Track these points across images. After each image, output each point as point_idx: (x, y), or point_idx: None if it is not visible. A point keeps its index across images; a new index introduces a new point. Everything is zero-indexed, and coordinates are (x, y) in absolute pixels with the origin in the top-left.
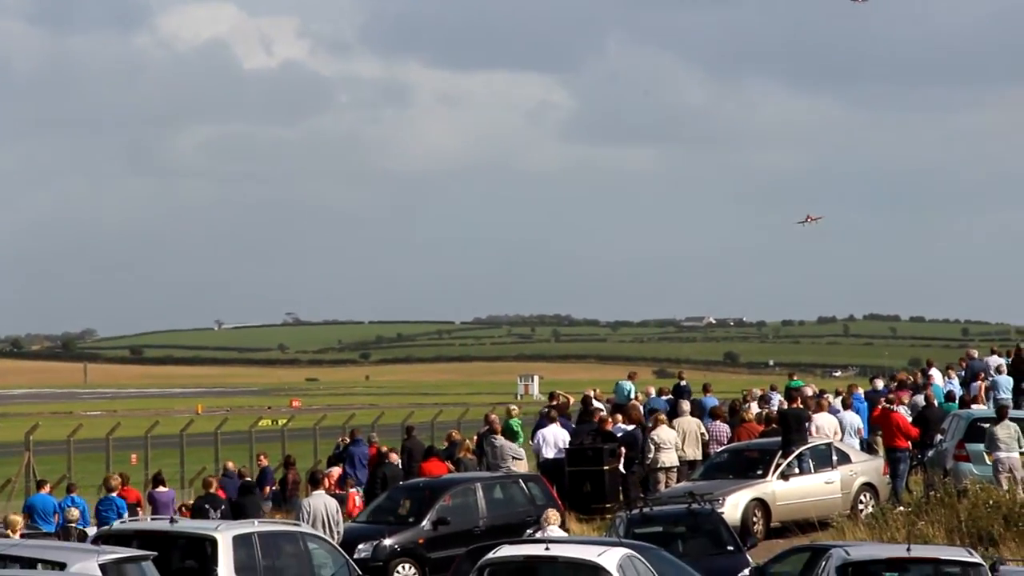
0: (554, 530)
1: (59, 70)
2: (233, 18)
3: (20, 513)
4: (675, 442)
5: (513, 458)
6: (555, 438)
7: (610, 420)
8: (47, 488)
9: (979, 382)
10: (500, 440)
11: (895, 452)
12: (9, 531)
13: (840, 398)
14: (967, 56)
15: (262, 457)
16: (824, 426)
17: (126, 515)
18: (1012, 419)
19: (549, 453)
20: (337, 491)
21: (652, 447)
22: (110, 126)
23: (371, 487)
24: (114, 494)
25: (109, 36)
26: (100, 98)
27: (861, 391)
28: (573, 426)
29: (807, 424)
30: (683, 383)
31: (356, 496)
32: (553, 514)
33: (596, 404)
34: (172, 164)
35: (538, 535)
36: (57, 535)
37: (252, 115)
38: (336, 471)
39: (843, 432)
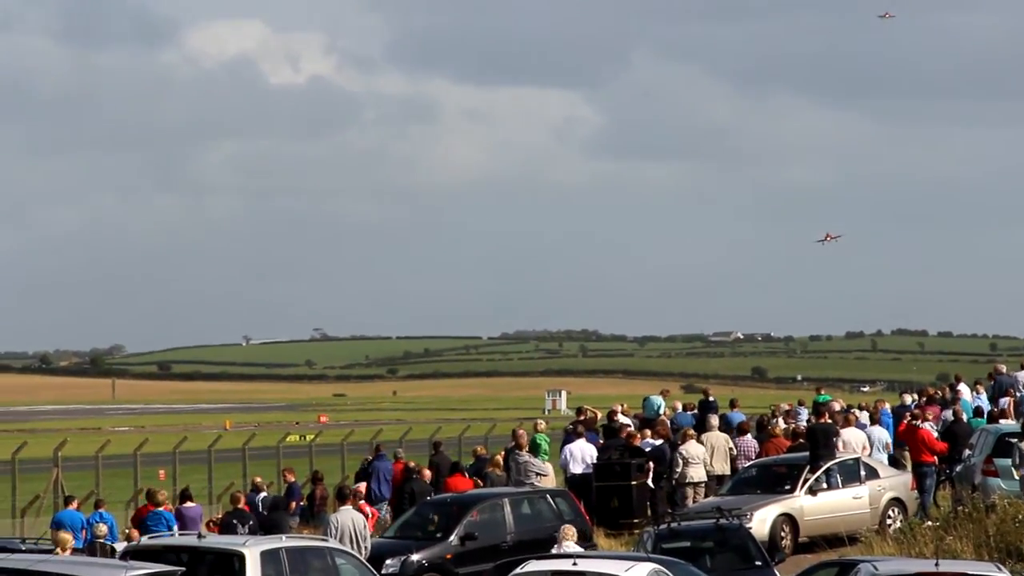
0: (570, 546)
1: (86, 87)
2: (260, 34)
3: (70, 531)
4: (703, 457)
5: (537, 474)
6: (582, 453)
7: (638, 435)
8: (75, 504)
9: (1007, 397)
10: (524, 456)
11: (922, 467)
12: (59, 549)
13: (868, 413)
14: (994, 70)
15: (287, 473)
16: (852, 441)
17: (176, 528)
18: None
19: (577, 468)
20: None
21: (680, 462)
22: (137, 142)
23: (399, 503)
24: (162, 508)
25: (136, 52)
26: (127, 114)
27: (888, 406)
28: (600, 441)
29: (835, 439)
30: (710, 399)
31: (365, 508)
32: (569, 530)
33: (622, 419)
34: (199, 180)
35: (554, 550)
36: (85, 551)
37: (279, 131)
38: (364, 486)
39: (871, 447)
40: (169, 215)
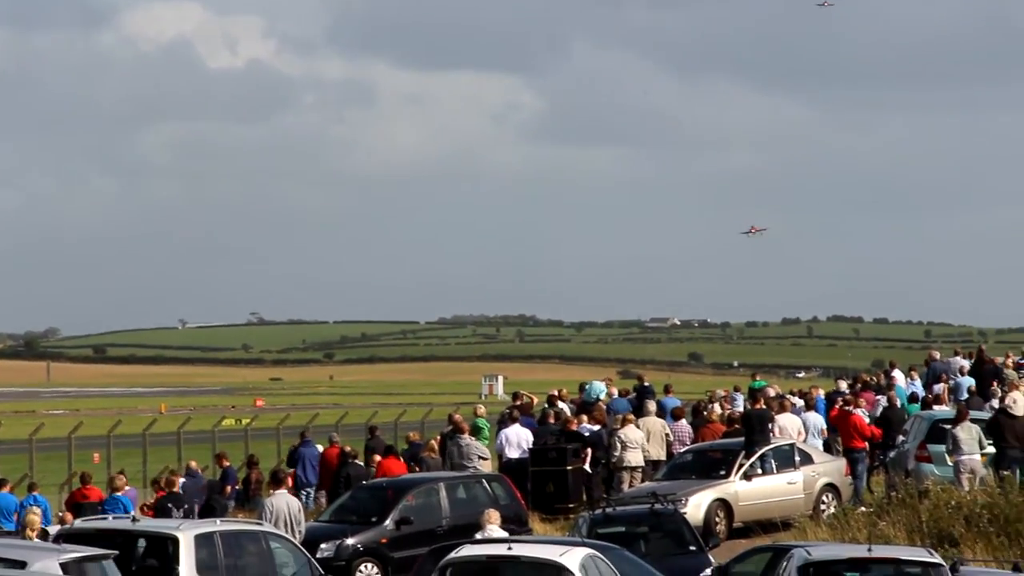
0: (494, 530)
1: (23, 69)
2: (198, 17)
3: (37, 512)
4: (641, 442)
5: (479, 457)
6: (518, 438)
7: (575, 420)
8: (8, 487)
9: (942, 384)
10: (467, 439)
11: (853, 453)
12: (28, 530)
13: (802, 399)
14: (932, 59)
15: (222, 459)
16: (787, 427)
17: (133, 513)
18: (972, 420)
19: (512, 453)
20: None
21: (619, 446)
22: (74, 125)
23: (334, 487)
24: (120, 493)
25: (73, 35)
26: (64, 97)
27: (822, 392)
28: (537, 426)
29: (770, 425)
30: (646, 384)
31: None
32: (493, 515)
33: (560, 405)
34: (136, 163)
35: (478, 535)
36: (17, 534)
37: (217, 114)
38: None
39: (806, 433)
40: (105, 197)
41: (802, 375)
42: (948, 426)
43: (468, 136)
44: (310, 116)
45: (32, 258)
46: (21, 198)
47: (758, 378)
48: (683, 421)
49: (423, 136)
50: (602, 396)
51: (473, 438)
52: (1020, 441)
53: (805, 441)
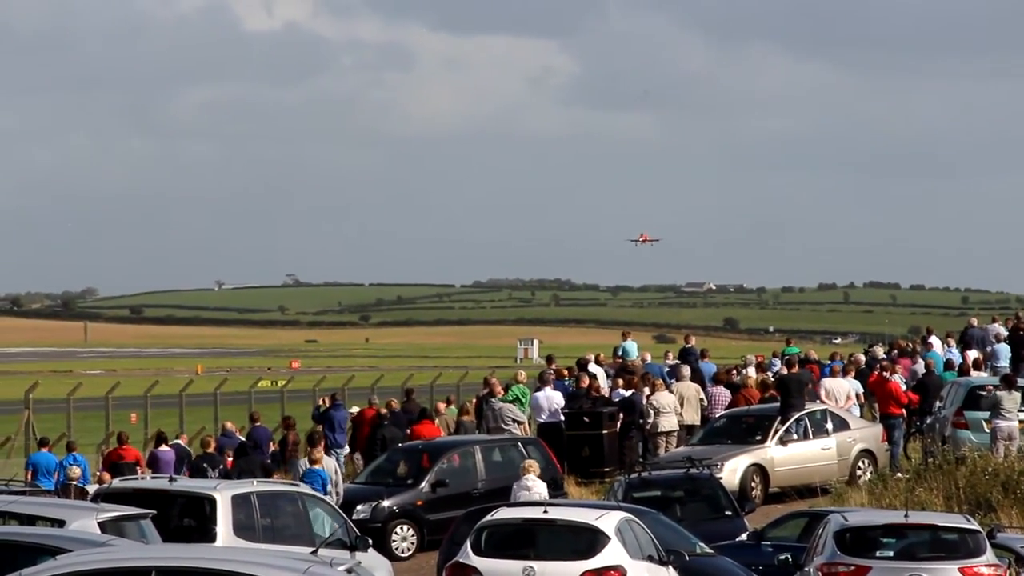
0: (532, 479)
1: (62, 29)
2: None
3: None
4: (674, 406)
5: (513, 420)
6: (549, 402)
7: (598, 385)
8: (48, 447)
9: (983, 350)
10: (499, 403)
11: (889, 419)
12: None
13: (841, 365)
14: (970, 24)
15: (254, 419)
16: (835, 391)
17: (329, 487)
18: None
19: (544, 417)
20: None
21: (651, 412)
22: (112, 85)
23: (370, 449)
24: (317, 466)
25: None
26: (103, 57)
27: (862, 358)
28: (571, 390)
29: (807, 390)
30: (690, 345)
31: None
32: (532, 465)
33: (592, 369)
34: (174, 124)
35: (514, 486)
36: (56, 492)
37: (254, 76)
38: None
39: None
40: (143, 159)
41: (838, 341)
42: (985, 393)
43: (504, 99)
44: (347, 78)
45: (70, 218)
46: (60, 158)
47: (792, 344)
48: (722, 386)
49: (459, 99)
50: (637, 353)
51: (507, 401)
52: None
53: (848, 408)
